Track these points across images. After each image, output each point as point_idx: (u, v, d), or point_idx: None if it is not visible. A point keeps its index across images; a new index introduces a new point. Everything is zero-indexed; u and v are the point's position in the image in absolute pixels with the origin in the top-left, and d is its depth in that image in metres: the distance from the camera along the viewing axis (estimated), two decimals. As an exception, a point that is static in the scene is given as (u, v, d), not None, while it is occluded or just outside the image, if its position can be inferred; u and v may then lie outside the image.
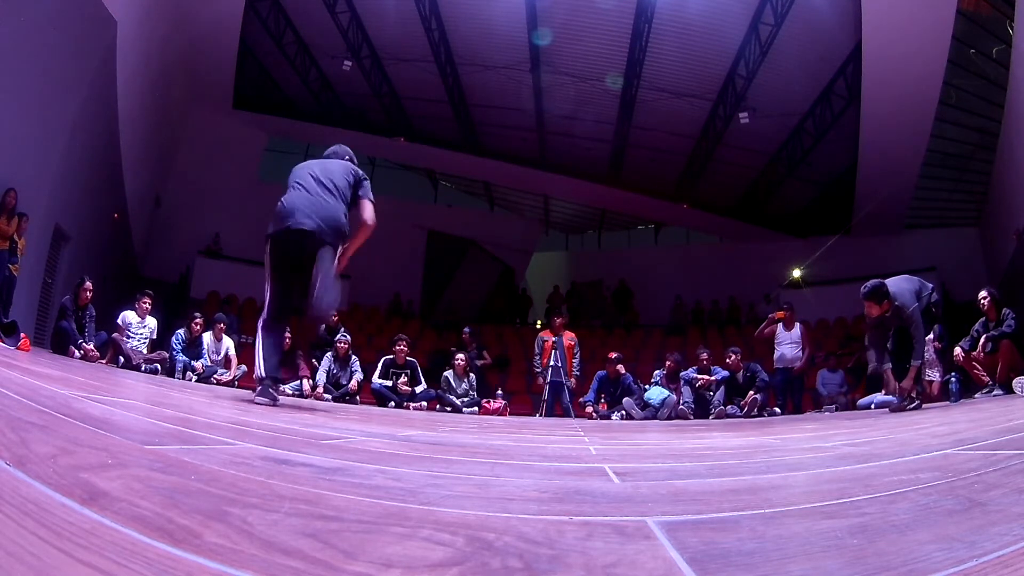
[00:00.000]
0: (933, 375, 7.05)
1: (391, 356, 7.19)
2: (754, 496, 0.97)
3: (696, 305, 14.73)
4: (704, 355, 7.28)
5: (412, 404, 6.80)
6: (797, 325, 7.57)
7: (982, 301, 5.89)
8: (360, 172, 3.48)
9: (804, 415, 6.68)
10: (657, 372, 7.50)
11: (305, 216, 3.14)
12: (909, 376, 4.35)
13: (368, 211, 3.36)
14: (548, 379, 7.27)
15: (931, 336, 7.17)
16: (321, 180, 3.29)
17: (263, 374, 3.17)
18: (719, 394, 6.96)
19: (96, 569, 0.45)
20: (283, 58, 12.32)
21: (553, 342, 7.47)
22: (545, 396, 7.23)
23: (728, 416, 6.67)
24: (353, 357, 7.21)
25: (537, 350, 7.65)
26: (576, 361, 7.64)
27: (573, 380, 7.47)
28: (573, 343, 7.67)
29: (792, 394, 7.51)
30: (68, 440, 0.95)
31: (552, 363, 7.27)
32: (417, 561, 0.55)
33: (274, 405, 3.03)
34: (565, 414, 7.02)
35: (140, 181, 10.83)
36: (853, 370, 8.49)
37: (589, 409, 7.13)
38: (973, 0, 8.89)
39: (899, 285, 4.61)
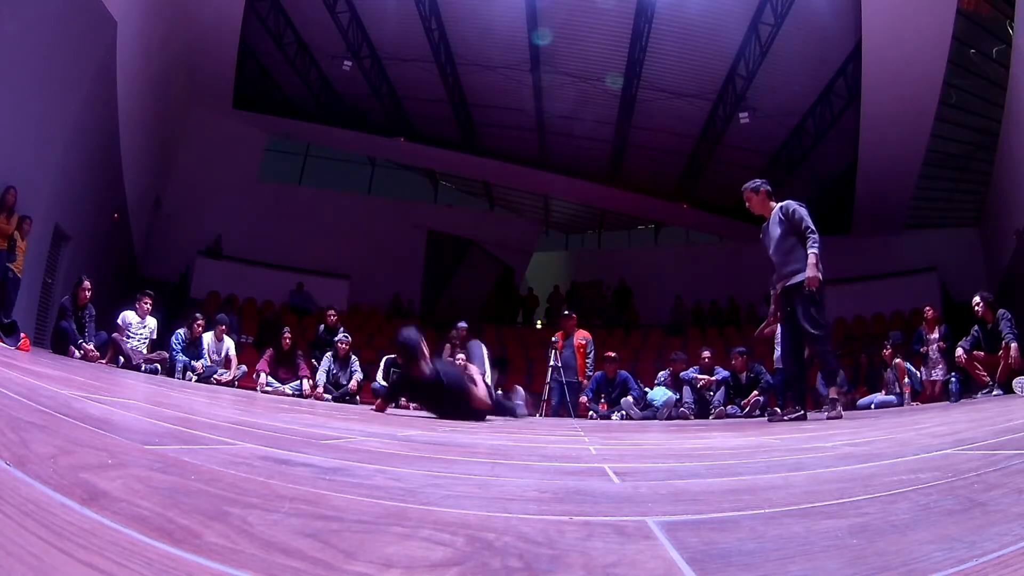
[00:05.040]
0: (936, 374, 7.06)
1: (393, 356, 7.19)
2: (754, 496, 0.97)
3: (696, 305, 14.71)
4: (706, 354, 7.28)
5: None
6: (797, 325, 7.55)
7: (976, 307, 5.94)
8: None
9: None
10: (662, 373, 7.50)
11: None
12: (810, 265, 3.80)
13: None
14: (548, 379, 7.25)
15: (935, 335, 7.19)
16: None
17: None
18: (719, 394, 6.97)
19: (96, 569, 0.45)
20: (283, 58, 12.32)
21: (562, 343, 7.40)
22: (545, 396, 7.21)
23: (728, 416, 6.68)
24: (353, 357, 7.21)
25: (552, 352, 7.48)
26: (589, 361, 7.54)
27: (585, 380, 7.39)
28: (585, 342, 7.57)
29: (792, 394, 7.50)
30: (68, 440, 0.96)
31: (552, 363, 7.25)
32: (417, 561, 0.55)
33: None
34: (565, 413, 7.01)
35: (140, 181, 10.82)
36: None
37: (584, 400, 7.13)
38: (973, 0, 8.88)
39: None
